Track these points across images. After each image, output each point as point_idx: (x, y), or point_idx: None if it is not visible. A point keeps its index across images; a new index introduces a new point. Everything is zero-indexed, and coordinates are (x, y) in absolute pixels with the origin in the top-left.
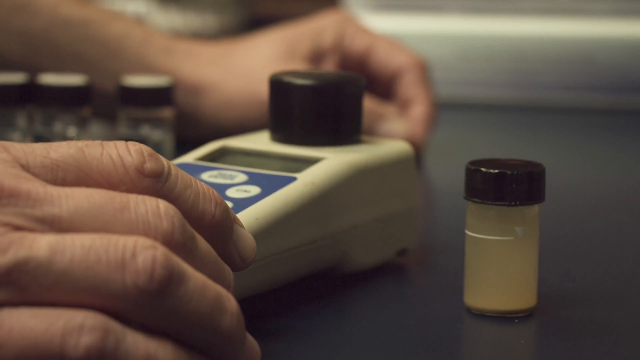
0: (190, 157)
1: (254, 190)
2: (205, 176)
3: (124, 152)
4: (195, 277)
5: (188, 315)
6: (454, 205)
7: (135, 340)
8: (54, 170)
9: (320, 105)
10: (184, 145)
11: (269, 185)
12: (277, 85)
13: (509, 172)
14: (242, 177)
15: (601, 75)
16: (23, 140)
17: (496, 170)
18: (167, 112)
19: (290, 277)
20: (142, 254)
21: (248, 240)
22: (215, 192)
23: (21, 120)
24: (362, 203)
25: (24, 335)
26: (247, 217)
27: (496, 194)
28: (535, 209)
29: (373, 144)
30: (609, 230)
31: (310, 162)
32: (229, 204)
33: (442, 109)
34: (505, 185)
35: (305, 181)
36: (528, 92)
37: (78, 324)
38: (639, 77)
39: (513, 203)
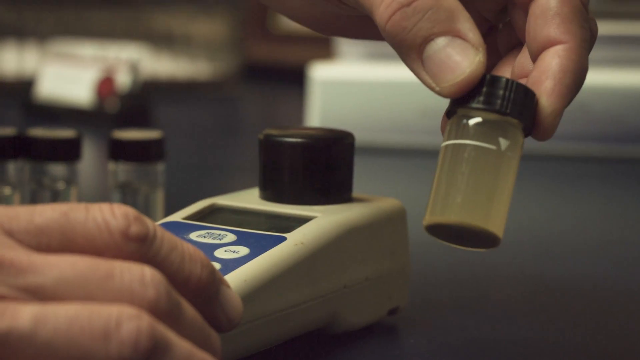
0: (178, 216)
1: (243, 250)
2: (194, 236)
3: (109, 216)
4: (181, 346)
5: None
6: (446, 262)
7: None
8: (38, 235)
9: (310, 163)
10: (174, 200)
11: (258, 246)
12: (267, 142)
13: (504, 78)
14: (231, 237)
15: (597, 124)
16: (13, 194)
17: (492, 74)
18: (158, 166)
19: (279, 339)
20: (127, 324)
21: (234, 302)
22: (201, 254)
23: (11, 174)
24: (353, 262)
25: None
26: (235, 279)
27: (488, 98)
28: (520, 138)
29: (364, 202)
30: (602, 282)
31: (300, 221)
32: (217, 265)
33: (435, 157)
34: (496, 89)
35: (295, 241)
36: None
37: None
38: (635, 127)
39: (503, 110)
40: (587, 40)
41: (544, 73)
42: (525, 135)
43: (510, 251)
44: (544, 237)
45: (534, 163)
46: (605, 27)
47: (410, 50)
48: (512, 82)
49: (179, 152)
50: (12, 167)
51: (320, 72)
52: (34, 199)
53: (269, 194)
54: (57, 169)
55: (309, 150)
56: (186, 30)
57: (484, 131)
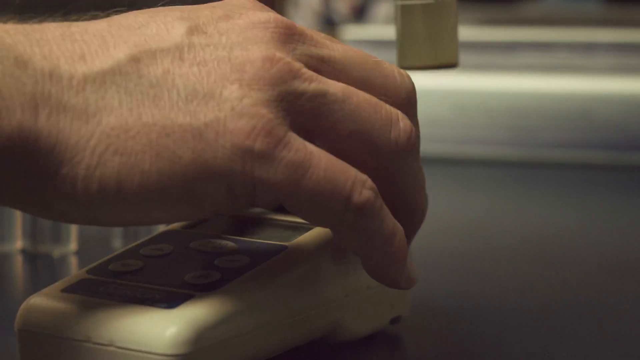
0: (178, 225)
1: (244, 259)
2: (194, 244)
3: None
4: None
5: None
6: (448, 270)
7: (386, 209)
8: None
9: None
10: None
11: (258, 255)
12: None
13: None
14: (231, 246)
15: (600, 131)
16: None
17: None
18: None
19: (281, 349)
20: (403, 120)
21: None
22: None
23: None
24: (355, 271)
25: (328, 167)
26: (236, 288)
27: None
28: None
29: None
30: (608, 290)
31: (301, 230)
32: (217, 275)
33: (438, 165)
34: None
35: (296, 250)
36: (526, 149)
37: (364, 179)
38: (638, 134)
39: None
40: None
41: None
42: None
43: (513, 259)
44: (548, 245)
45: (538, 171)
46: (608, 35)
47: None
48: None
49: None
50: None
51: None
52: None
53: None
54: None
55: None
56: None
57: None
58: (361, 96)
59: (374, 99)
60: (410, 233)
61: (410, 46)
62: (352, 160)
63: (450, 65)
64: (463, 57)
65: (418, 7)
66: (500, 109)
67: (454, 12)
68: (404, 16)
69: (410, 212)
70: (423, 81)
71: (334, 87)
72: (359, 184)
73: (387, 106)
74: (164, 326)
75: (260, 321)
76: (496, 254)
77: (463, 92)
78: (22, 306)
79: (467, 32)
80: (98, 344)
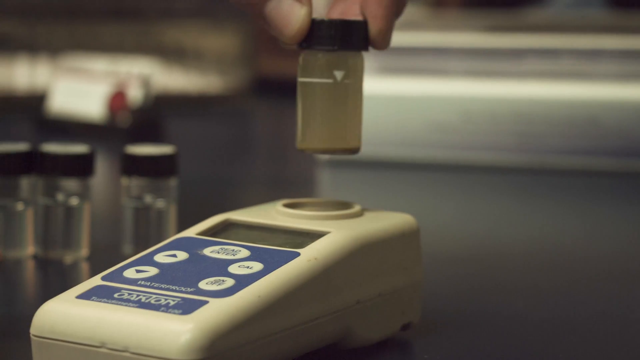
0: (191, 232)
1: (257, 266)
2: (207, 251)
3: None
4: None
5: None
6: (459, 276)
7: None
8: None
9: None
10: (186, 216)
11: (271, 261)
12: None
13: (326, 20)
14: (245, 253)
15: (606, 138)
16: (25, 209)
17: (319, 18)
18: (171, 182)
19: (293, 354)
20: None
21: None
22: None
23: (24, 190)
24: (366, 278)
25: None
26: (249, 294)
27: (318, 40)
28: (358, 58)
29: (377, 217)
30: (616, 296)
31: (313, 236)
32: (231, 281)
33: (444, 171)
34: (322, 31)
35: (309, 257)
36: (532, 155)
37: None
38: None
39: (331, 47)
40: None
41: None
42: (367, 49)
43: (520, 265)
44: (555, 252)
45: (544, 177)
46: (614, 41)
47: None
48: (335, 20)
49: (190, 166)
50: (25, 183)
51: None
52: (47, 214)
53: None
54: (71, 185)
55: None
56: (197, 44)
57: (320, 68)
58: None
59: None
60: None
61: (307, 127)
62: None
63: (349, 150)
64: (469, 63)
65: (316, 86)
66: (506, 115)
67: (357, 95)
68: (303, 94)
69: None
70: (429, 87)
71: None
72: None
73: None
74: (178, 332)
75: (273, 327)
76: (503, 261)
77: (469, 99)
78: (37, 312)
79: (473, 39)
80: (113, 349)
